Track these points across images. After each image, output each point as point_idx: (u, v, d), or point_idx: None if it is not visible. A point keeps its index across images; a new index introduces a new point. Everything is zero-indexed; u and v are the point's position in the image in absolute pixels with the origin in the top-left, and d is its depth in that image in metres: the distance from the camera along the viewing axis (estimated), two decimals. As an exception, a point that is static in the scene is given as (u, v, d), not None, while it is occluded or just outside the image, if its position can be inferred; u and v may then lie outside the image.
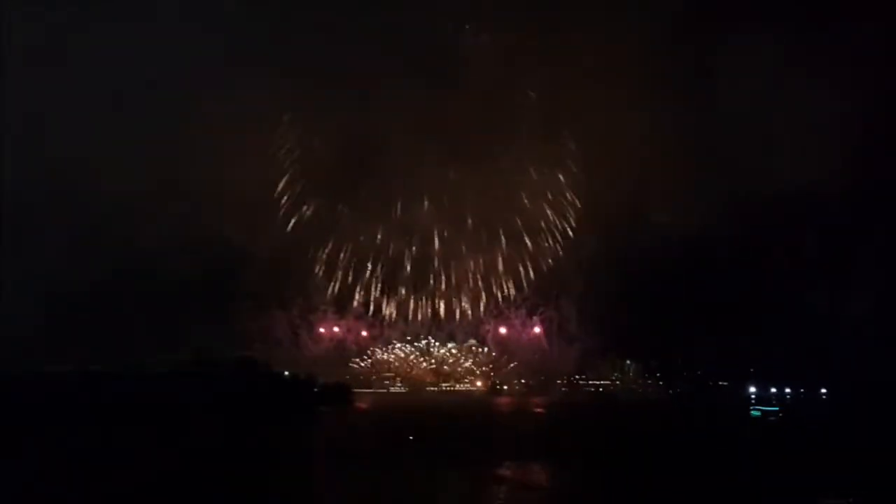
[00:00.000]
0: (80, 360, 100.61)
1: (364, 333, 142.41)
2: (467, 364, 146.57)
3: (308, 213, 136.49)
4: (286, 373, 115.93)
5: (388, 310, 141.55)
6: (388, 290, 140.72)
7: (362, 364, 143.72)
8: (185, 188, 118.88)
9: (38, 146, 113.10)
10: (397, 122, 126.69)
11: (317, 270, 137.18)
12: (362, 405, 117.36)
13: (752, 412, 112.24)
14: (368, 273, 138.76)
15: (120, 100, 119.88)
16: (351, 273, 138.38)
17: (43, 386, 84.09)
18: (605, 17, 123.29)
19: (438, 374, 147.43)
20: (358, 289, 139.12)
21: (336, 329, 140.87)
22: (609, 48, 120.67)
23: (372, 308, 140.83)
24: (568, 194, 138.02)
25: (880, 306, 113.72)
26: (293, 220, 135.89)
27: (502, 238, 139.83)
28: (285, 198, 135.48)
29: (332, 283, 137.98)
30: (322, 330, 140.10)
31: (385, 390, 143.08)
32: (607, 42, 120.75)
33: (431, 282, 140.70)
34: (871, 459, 56.91)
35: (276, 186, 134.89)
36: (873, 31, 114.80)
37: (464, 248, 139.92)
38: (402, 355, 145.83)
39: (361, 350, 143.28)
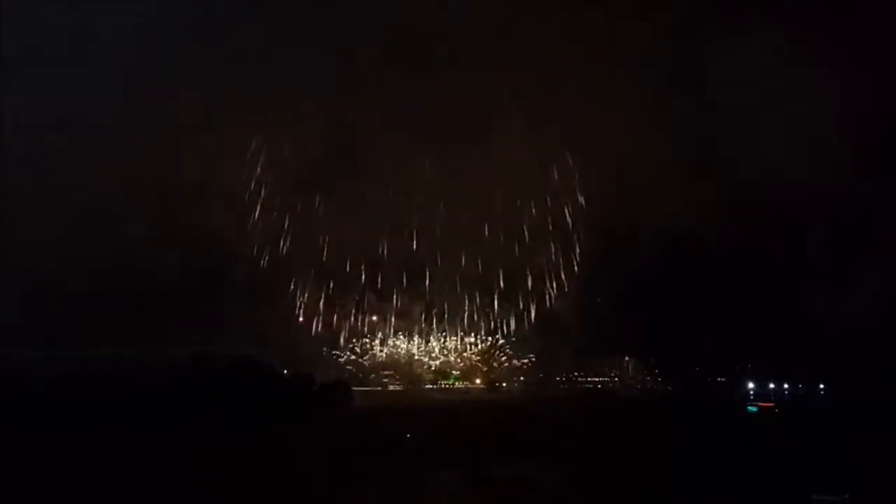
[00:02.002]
0: (80, 360, 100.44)
1: (360, 332, 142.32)
2: (465, 361, 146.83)
3: (286, 246, 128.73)
4: (285, 371, 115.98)
5: (384, 310, 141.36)
6: (382, 294, 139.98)
7: (359, 362, 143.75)
8: (183, 187, 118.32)
9: (37, 146, 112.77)
10: (381, 124, 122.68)
11: (299, 306, 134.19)
12: (360, 403, 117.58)
13: (749, 408, 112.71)
14: (361, 281, 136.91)
15: (119, 98, 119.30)
16: (344, 283, 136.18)
17: (42, 386, 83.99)
18: (603, 12, 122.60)
19: (436, 372, 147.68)
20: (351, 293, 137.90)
21: (331, 328, 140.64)
22: (607, 44, 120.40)
23: (367, 309, 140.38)
24: (567, 194, 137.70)
25: (880, 305, 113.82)
26: (266, 255, 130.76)
27: (500, 239, 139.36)
28: (258, 229, 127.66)
29: (324, 288, 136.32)
30: (318, 328, 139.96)
31: (381, 388, 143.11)
32: (605, 36, 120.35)
33: (426, 283, 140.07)
34: (865, 455, 57.31)
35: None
36: (877, 29, 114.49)
37: (459, 249, 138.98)
38: (399, 353, 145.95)
39: (357, 348, 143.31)
